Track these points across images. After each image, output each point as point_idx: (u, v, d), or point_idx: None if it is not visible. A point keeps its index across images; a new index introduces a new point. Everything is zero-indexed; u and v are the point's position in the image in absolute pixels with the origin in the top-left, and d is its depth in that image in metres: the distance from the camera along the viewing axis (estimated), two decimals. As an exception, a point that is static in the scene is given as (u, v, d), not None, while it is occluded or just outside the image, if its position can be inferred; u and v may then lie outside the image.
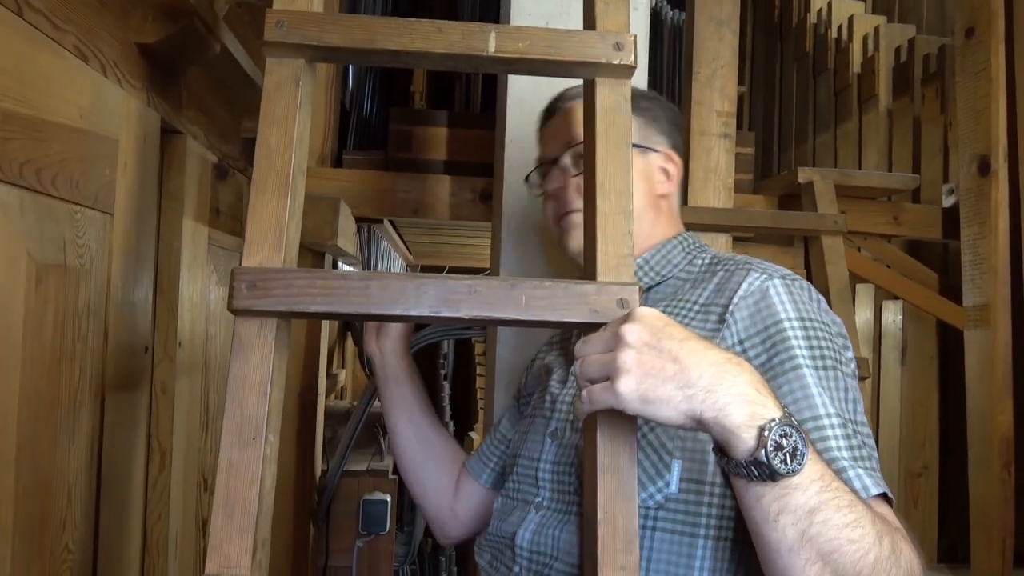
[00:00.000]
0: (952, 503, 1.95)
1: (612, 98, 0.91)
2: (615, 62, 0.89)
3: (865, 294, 2.24)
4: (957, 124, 1.87)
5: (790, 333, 0.79)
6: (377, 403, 1.41)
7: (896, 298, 2.03)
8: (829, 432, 0.75)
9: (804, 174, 1.76)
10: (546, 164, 1.02)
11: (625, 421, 0.80)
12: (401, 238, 2.74)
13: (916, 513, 2.01)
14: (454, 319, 0.80)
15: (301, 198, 0.89)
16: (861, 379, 1.51)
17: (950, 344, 1.92)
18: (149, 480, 1.26)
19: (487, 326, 1.63)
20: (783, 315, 0.81)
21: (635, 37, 0.90)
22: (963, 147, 1.81)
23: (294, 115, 0.85)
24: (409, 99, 2.43)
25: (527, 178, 1.08)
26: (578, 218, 0.92)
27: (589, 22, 0.94)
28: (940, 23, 2.93)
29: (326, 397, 2.32)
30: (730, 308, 0.83)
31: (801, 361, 0.77)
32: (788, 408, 0.67)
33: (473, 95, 2.19)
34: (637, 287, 0.81)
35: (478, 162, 1.83)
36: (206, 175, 1.49)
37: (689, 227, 1.75)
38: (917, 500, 2.01)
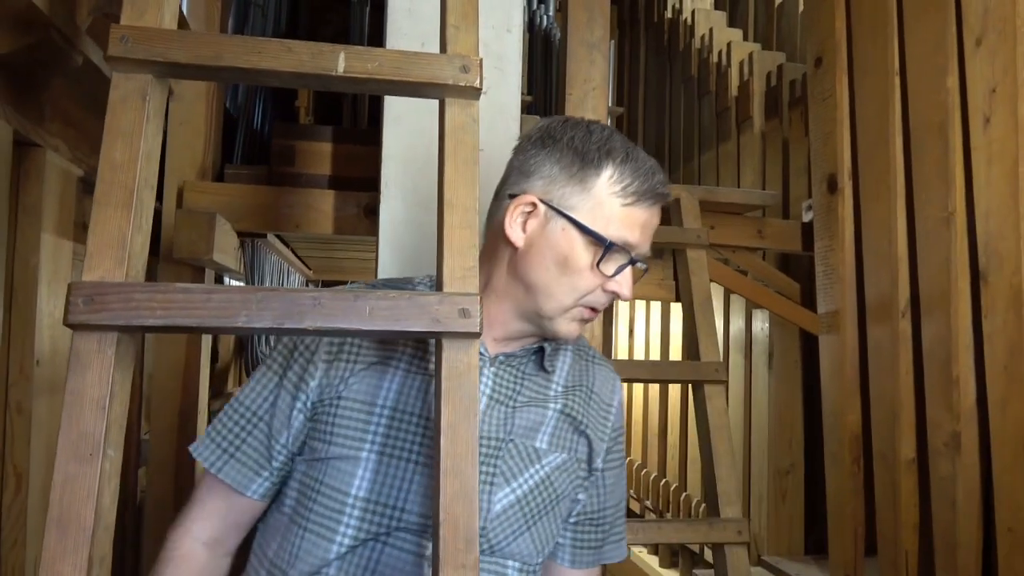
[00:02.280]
0: (817, 498, 2.09)
1: (460, 118, 0.95)
2: (462, 84, 0.93)
3: (738, 303, 2.38)
4: (812, 145, 2.02)
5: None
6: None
7: (763, 307, 2.17)
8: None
9: (673, 191, 1.87)
10: (628, 253, 0.86)
11: (467, 427, 0.84)
12: (295, 253, 2.71)
13: (784, 508, 2.14)
14: (298, 331, 0.82)
15: (150, 212, 0.89)
16: (720, 383, 1.61)
17: (812, 350, 2.07)
18: (3, 505, 1.21)
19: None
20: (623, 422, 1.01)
21: (481, 60, 0.95)
22: (815, 167, 1.97)
23: (140, 130, 0.85)
24: (295, 113, 2.42)
25: (609, 248, 0.84)
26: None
27: (442, 45, 0.98)
28: (806, 50, 3.16)
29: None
30: (613, 414, 1.00)
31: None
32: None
33: (360, 110, 2.21)
34: (478, 297, 0.85)
35: (364, 177, 1.85)
36: (70, 189, 1.45)
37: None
38: (785, 496, 2.14)
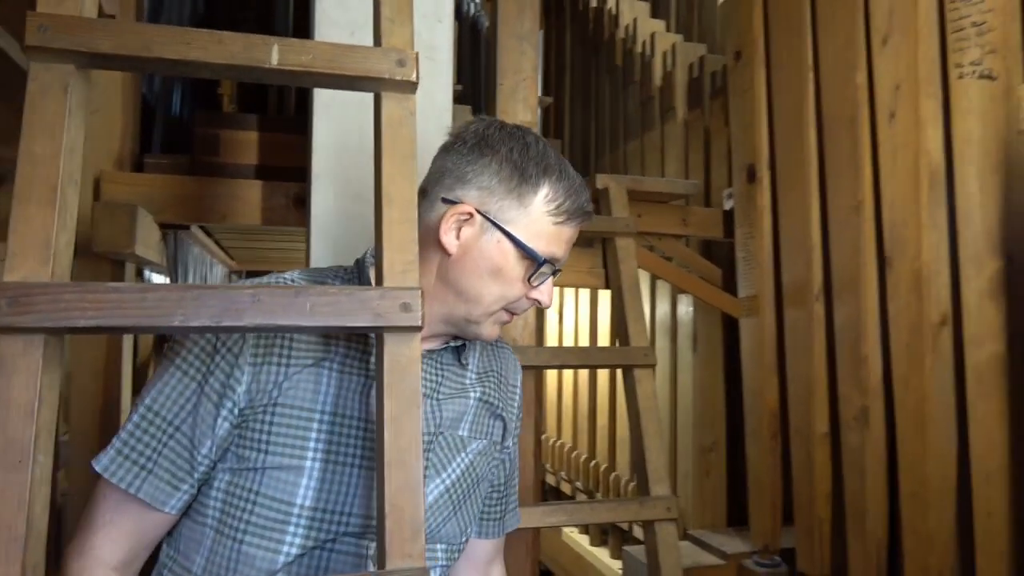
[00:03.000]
0: (738, 473, 2.19)
1: (397, 112, 0.95)
2: (398, 78, 0.93)
3: (663, 289, 2.46)
4: (733, 135, 2.10)
5: None
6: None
7: (687, 292, 2.25)
8: None
9: (601, 180, 1.91)
10: (553, 266, 0.90)
11: (410, 419, 0.85)
12: (219, 244, 2.63)
13: (708, 483, 2.25)
14: (237, 328, 0.81)
15: (74, 209, 0.86)
16: (649, 367, 1.67)
17: (733, 332, 2.16)
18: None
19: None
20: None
21: (417, 54, 0.95)
22: (735, 156, 2.05)
23: (62, 123, 0.82)
24: (218, 101, 2.35)
25: (541, 265, 0.88)
26: None
27: (376, 37, 0.98)
28: (725, 44, 3.27)
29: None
30: (518, 394, 1.05)
31: None
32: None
33: (287, 98, 2.16)
34: (419, 291, 0.86)
35: (292, 166, 1.81)
36: (-23, 182, 1.37)
37: (498, 230, 1.85)
38: (709, 472, 2.24)
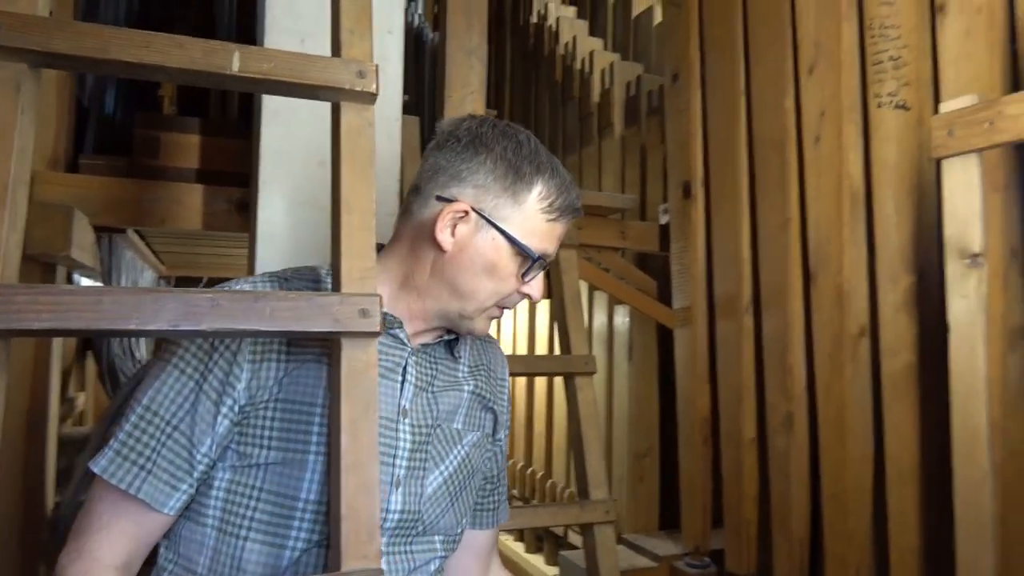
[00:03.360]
0: (670, 478, 2.27)
1: (356, 122, 0.97)
2: (358, 88, 0.95)
3: (601, 300, 2.53)
4: (669, 153, 2.20)
5: None
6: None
7: (624, 303, 2.33)
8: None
9: (545, 193, 1.96)
10: (545, 262, 0.92)
11: (367, 423, 0.87)
12: (151, 248, 2.56)
13: (642, 488, 2.32)
14: (195, 332, 0.81)
15: (23, 210, 0.85)
16: (589, 374, 1.73)
17: (667, 342, 2.25)
18: None
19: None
20: None
21: (377, 66, 0.97)
22: (671, 174, 2.14)
23: (14, 123, 0.81)
24: (158, 103, 2.29)
25: (535, 262, 0.90)
26: None
27: (335, 48, 0.99)
28: (661, 64, 3.40)
29: (62, 422, 2.11)
30: (506, 387, 1.08)
31: None
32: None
33: (230, 102, 2.14)
34: (378, 298, 0.88)
35: (234, 171, 1.79)
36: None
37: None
38: (642, 478, 2.32)
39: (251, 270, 1.52)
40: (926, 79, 1.43)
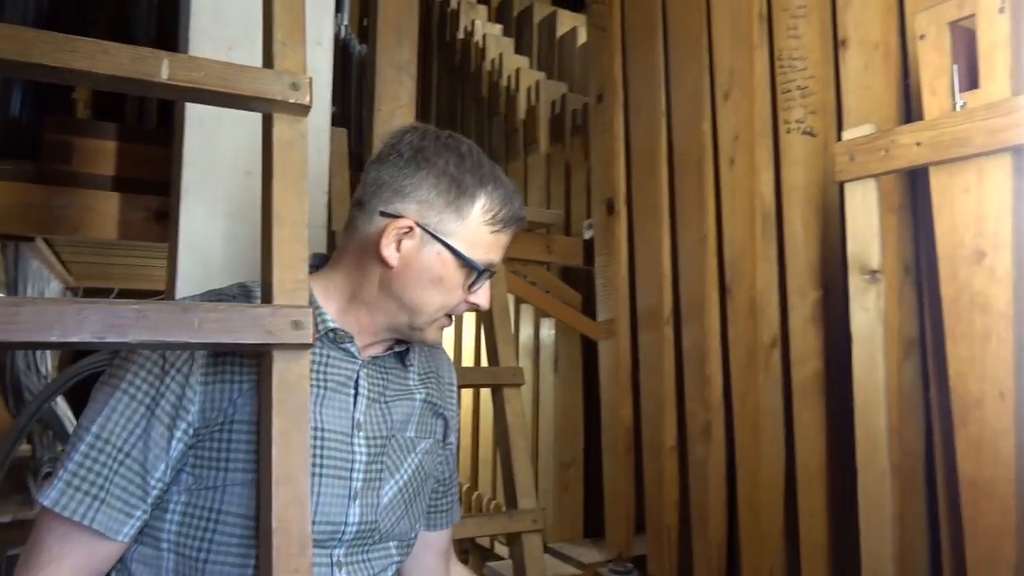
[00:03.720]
0: (594, 487, 2.32)
1: (288, 133, 0.97)
2: (291, 100, 0.95)
3: (527, 312, 2.57)
4: (593, 171, 2.26)
5: None
6: (25, 445, 1.24)
7: (549, 316, 2.37)
8: None
9: (473, 207, 1.99)
10: (490, 271, 0.93)
11: (299, 435, 0.87)
12: (59, 258, 2.44)
13: (567, 498, 2.36)
14: (120, 344, 0.79)
15: (-70, 216, 0.81)
16: (517, 386, 1.76)
17: (592, 354, 2.30)
18: None
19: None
20: None
21: (311, 78, 0.98)
22: (595, 191, 2.21)
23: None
24: (71, 106, 2.19)
25: (481, 273, 0.91)
26: None
27: (267, 59, 0.99)
28: (585, 84, 3.50)
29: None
30: (455, 391, 1.10)
31: None
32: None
33: (148, 108, 2.07)
34: (310, 310, 0.88)
35: (153, 179, 1.74)
36: None
37: (372, 252, 1.86)
38: (568, 487, 2.36)
39: (172, 281, 1.48)
40: (830, 108, 1.53)
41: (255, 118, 1.01)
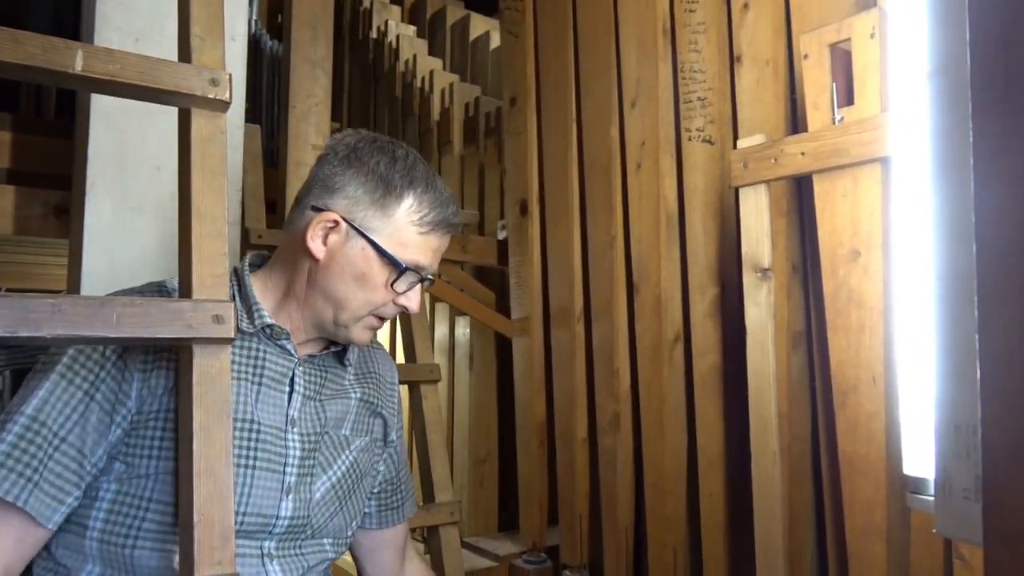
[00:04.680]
0: (508, 482, 2.38)
1: (207, 129, 0.98)
2: (211, 96, 0.96)
3: (442, 311, 2.60)
4: (507, 173, 2.32)
5: None
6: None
7: (464, 314, 2.41)
8: None
9: (389, 206, 2.01)
10: (419, 274, 0.95)
11: (220, 429, 0.87)
12: (-61, 254, 2.28)
13: (482, 493, 2.41)
14: (34, 339, 0.78)
15: None
16: (434, 382, 1.79)
17: (506, 351, 2.36)
18: None
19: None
20: None
21: (231, 75, 0.98)
22: (509, 193, 2.27)
23: None
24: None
25: (403, 272, 0.92)
26: None
27: (184, 53, 0.99)
28: (499, 87, 3.56)
29: None
30: (396, 391, 1.13)
31: None
32: None
33: (46, 98, 1.98)
34: (232, 304, 0.89)
35: (53, 173, 1.67)
36: None
37: (287, 250, 1.85)
38: (483, 482, 2.41)
39: (75, 279, 1.43)
40: (727, 118, 1.65)
41: (166, 112, 1.01)
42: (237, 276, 1.00)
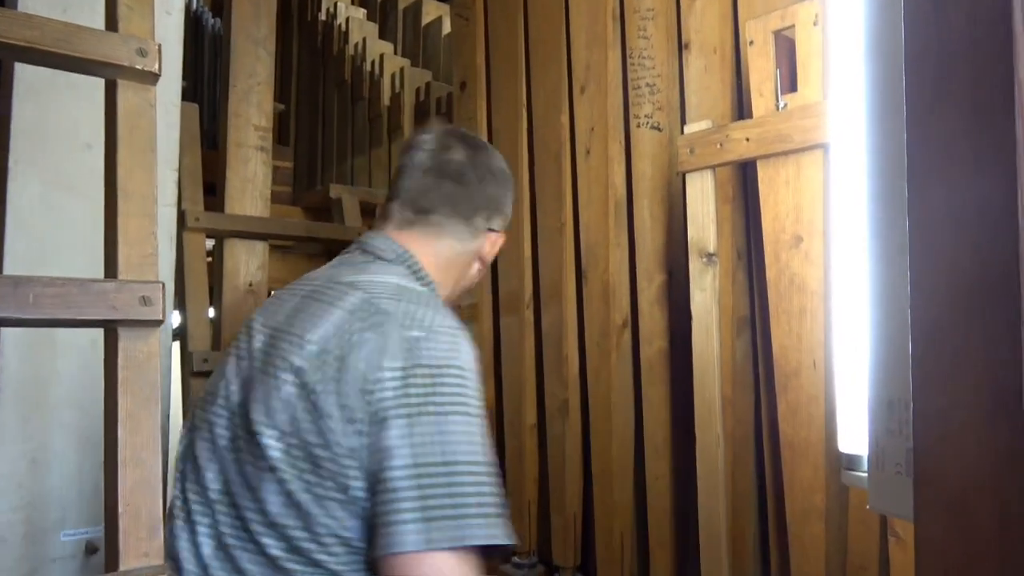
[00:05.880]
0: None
1: (134, 101, 0.93)
2: (138, 67, 0.91)
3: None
4: (457, 159, 2.30)
5: None
6: None
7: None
8: None
9: (335, 190, 1.97)
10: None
11: (148, 416, 0.84)
12: None
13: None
14: (-59, 320, 0.73)
15: None
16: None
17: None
18: None
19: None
20: None
21: (160, 45, 0.94)
22: (460, 178, 2.24)
23: None
24: None
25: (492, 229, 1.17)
26: None
27: (111, 23, 0.94)
28: (450, 73, 3.52)
29: None
30: None
31: None
32: None
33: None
34: (160, 285, 0.85)
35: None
36: None
37: (228, 234, 1.80)
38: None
39: (2, 263, 1.36)
40: (675, 105, 1.65)
41: (97, 87, 0.96)
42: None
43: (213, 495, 0.92)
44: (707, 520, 1.39)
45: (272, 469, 0.86)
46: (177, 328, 1.88)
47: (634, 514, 1.69)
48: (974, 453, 0.43)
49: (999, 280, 0.45)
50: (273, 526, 0.86)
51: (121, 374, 0.83)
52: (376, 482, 0.82)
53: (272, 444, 0.87)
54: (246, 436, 0.90)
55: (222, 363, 1.03)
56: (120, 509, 0.80)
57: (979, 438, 0.43)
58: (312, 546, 0.85)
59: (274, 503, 0.86)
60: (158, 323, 0.85)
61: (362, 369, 0.85)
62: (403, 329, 0.88)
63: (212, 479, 0.93)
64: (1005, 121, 0.45)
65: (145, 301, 0.85)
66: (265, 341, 0.97)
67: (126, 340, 0.84)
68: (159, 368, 0.86)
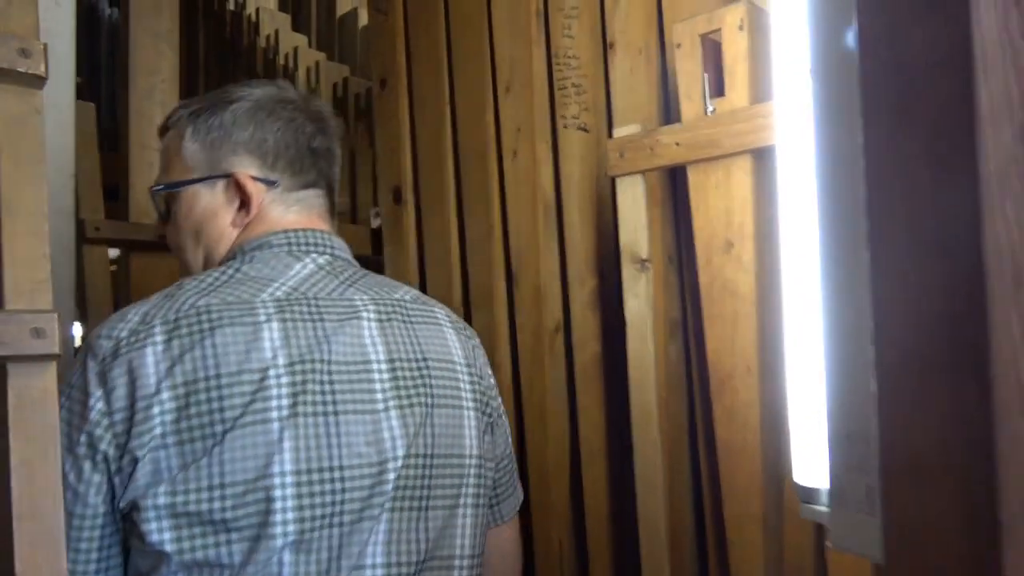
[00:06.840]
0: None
1: (19, 108, 0.84)
2: (20, 70, 0.82)
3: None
4: (379, 159, 2.22)
5: None
6: None
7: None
8: None
9: (251, 195, 1.86)
10: None
11: (45, 463, 0.75)
12: None
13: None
14: None
15: None
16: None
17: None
18: None
19: None
20: None
21: (46, 45, 0.84)
22: (381, 179, 2.17)
23: None
24: None
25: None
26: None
27: (-13, 19, 0.84)
28: (368, 67, 3.41)
29: None
30: None
31: None
32: None
33: None
34: (56, 315, 0.77)
35: None
36: None
37: (133, 244, 1.67)
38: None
39: None
40: (602, 106, 1.64)
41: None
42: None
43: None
44: (646, 523, 1.39)
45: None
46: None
47: (571, 518, 1.67)
48: (948, 494, 0.42)
49: (964, 310, 0.44)
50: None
51: (13, 415, 0.75)
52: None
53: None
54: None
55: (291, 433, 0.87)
56: (18, 569, 0.72)
57: (951, 481, 0.41)
58: None
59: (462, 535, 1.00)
60: (54, 357, 0.77)
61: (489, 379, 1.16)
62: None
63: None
64: (967, 147, 0.44)
65: (37, 333, 0.76)
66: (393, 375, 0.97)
67: (16, 378, 0.75)
68: (57, 408, 0.77)
